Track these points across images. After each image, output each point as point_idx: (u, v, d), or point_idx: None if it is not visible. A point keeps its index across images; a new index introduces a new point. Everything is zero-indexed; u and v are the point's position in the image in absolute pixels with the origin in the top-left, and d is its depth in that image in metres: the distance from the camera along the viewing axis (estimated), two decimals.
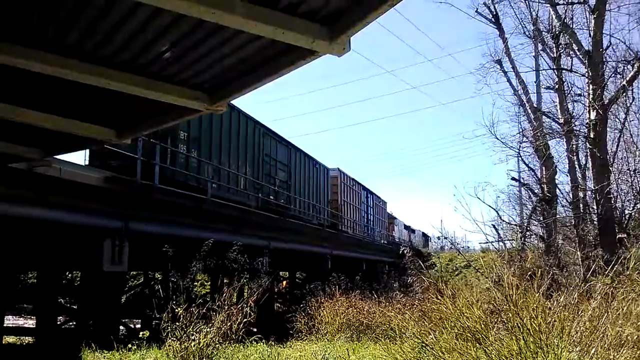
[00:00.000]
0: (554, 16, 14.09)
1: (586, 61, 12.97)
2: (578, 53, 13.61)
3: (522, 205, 17.45)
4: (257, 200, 15.98)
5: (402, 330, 6.13)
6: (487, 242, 14.04)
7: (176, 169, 12.25)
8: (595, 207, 12.58)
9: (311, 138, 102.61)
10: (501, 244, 13.28)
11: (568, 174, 14.79)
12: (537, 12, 15.21)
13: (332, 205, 23.84)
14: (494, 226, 13.56)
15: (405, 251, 10.59)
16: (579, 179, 14.44)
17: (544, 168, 14.97)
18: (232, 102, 12.68)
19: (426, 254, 32.35)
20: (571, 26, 13.62)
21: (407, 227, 43.51)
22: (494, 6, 15.84)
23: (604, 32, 12.87)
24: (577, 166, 14.41)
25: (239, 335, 6.84)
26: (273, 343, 8.10)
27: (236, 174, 15.12)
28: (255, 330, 7.25)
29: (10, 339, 17.32)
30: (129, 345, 7.39)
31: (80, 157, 11.40)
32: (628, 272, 6.16)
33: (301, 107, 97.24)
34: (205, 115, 14.14)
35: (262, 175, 16.83)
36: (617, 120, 14.19)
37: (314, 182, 21.80)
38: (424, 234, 42.27)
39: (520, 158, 15.48)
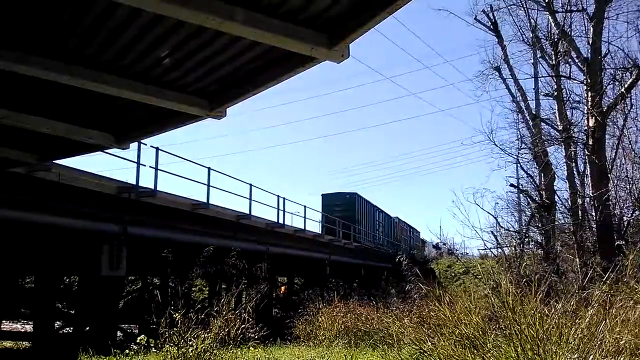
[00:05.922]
0: (552, 24, 14.12)
1: (585, 68, 13.00)
2: (577, 60, 13.64)
3: (520, 211, 17.43)
4: (374, 244, 33.45)
5: (400, 336, 6.10)
6: (485, 249, 14.05)
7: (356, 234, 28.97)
8: (593, 213, 12.58)
9: (307, 145, 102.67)
10: (500, 250, 13.26)
11: (567, 181, 14.80)
12: (535, 20, 15.27)
13: (395, 239, 39.42)
14: (492, 232, 13.55)
15: (402, 259, 10.56)
16: (578, 185, 14.45)
17: (542, 175, 14.95)
18: (356, 191, 31.79)
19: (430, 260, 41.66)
20: (570, 34, 13.65)
21: (435, 246, 52.24)
22: (493, 14, 15.90)
23: (602, 39, 12.91)
24: (575, 173, 14.43)
25: (236, 341, 6.81)
26: (271, 349, 8.06)
27: (366, 231, 32.11)
28: (253, 335, 7.19)
29: (7, 343, 17.26)
30: (126, 351, 7.35)
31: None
32: (626, 279, 6.16)
33: (298, 113, 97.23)
34: (357, 206, 31.53)
35: (374, 230, 34.33)
36: (615, 127, 14.23)
37: (388, 228, 38.81)
38: (449, 249, 47.27)
39: (519, 165, 15.48)
